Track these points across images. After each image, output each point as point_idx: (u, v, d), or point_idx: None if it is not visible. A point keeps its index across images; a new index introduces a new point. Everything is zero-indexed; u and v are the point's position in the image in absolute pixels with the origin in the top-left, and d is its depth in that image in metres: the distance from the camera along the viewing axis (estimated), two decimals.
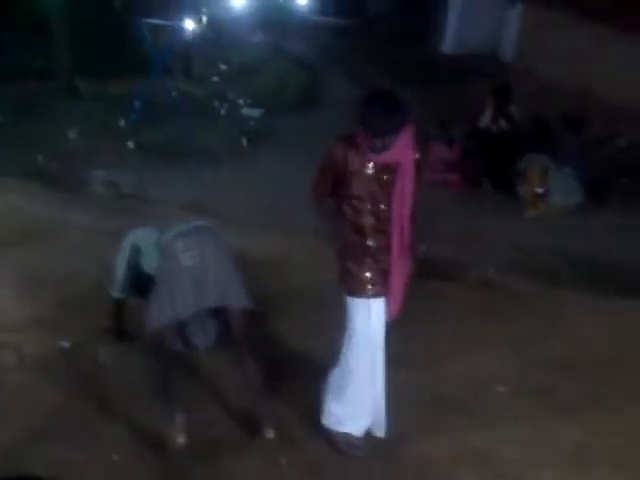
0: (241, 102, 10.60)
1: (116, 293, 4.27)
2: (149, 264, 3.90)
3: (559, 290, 5.59)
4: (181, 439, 3.59)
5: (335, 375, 3.62)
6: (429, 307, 4.87)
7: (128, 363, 4.28)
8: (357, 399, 3.57)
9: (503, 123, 8.40)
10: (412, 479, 3.51)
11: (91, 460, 3.49)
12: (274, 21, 12.96)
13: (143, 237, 4.09)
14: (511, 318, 5.10)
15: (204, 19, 12.04)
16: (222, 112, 10.23)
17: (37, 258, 5.40)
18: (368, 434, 3.69)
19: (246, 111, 10.33)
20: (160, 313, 3.59)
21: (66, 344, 4.41)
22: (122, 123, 8.97)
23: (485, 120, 8.57)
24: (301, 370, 4.26)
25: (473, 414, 4.02)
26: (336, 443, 3.65)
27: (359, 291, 3.45)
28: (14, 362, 4.20)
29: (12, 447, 3.52)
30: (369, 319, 3.46)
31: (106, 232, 5.83)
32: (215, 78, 11.51)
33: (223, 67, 11.86)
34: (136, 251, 4.06)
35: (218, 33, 12.16)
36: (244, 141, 9.10)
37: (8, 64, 9.83)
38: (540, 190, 7.43)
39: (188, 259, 3.58)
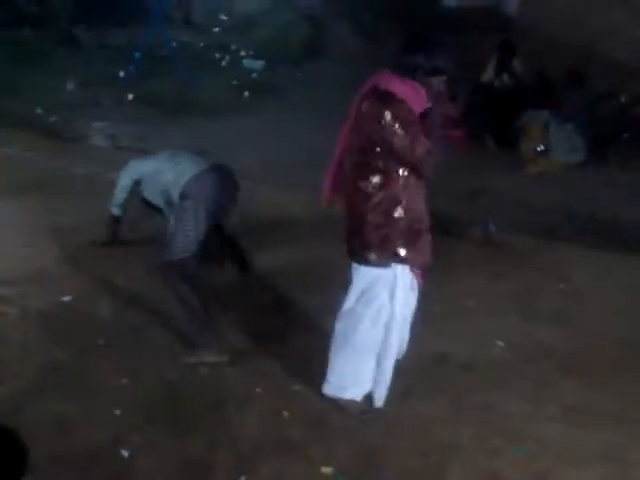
0: (243, 53, 10.47)
1: (114, 211, 4.83)
2: (149, 193, 4.46)
3: (559, 245, 5.61)
4: (225, 357, 3.89)
5: (340, 340, 3.59)
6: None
7: (126, 316, 4.28)
8: (363, 367, 3.58)
9: (506, 78, 8.29)
10: (412, 437, 3.52)
11: (92, 414, 3.49)
12: None
13: (144, 170, 4.54)
14: (511, 273, 5.13)
15: None
16: (223, 63, 10.11)
17: (38, 210, 5.39)
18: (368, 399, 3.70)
19: (247, 63, 10.21)
20: (185, 244, 3.97)
21: (67, 298, 4.41)
22: (121, 74, 8.85)
23: (488, 75, 8.46)
24: (305, 327, 4.28)
25: (474, 370, 4.03)
26: (345, 408, 3.65)
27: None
28: (17, 316, 4.21)
29: (11, 400, 3.53)
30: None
31: (106, 183, 5.80)
32: (216, 28, 11.34)
33: (224, 17, 11.66)
34: (137, 182, 4.58)
35: None
36: (245, 93, 8.99)
37: (3, 12, 9.63)
38: (540, 147, 7.38)
39: (206, 196, 4.08)
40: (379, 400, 3.65)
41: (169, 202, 4.24)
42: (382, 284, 3.41)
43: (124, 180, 4.68)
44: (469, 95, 8.43)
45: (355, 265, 3.44)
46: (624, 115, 7.98)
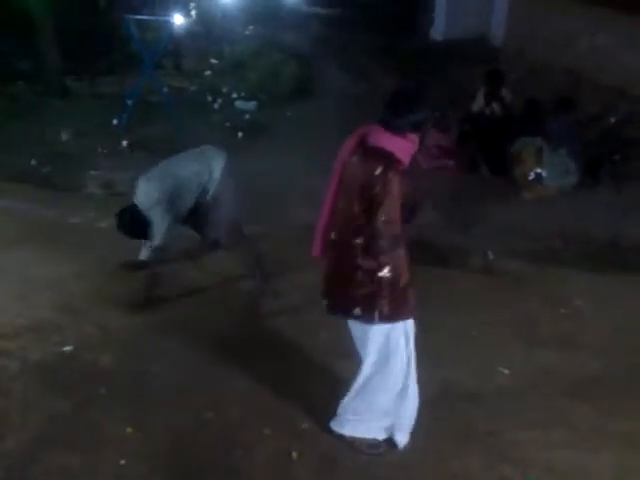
0: (234, 95, 10.55)
1: (156, 241, 4.84)
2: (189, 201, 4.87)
3: (558, 270, 5.61)
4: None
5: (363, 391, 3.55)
6: (429, 293, 4.84)
7: (127, 365, 4.26)
8: (386, 412, 3.57)
9: (496, 107, 8.36)
10: (423, 470, 3.49)
11: (96, 465, 3.46)
12: (265, 13, 12.86)
13: (169, 189, 4.79)
14: (512, 300, 5.13)
15: (193, 13, 11.97)
16: (216, 106, 10.18)
17: (33, 261, 5.38)
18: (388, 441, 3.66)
19: (240, 104, 10.27)
20: (236, 215, 5.00)
21: (68, 348, 4.39)
22: (114, 122, 8.91)
23: (478, 105, 8.54)
24: (310, 366, 4.26)
25: (479, 398, 4.02)
26: (354, 445, 3.63)
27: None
28: (17, 369, 4.18)
29: (15, 454, 3.50)
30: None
31: (102, 232, 5.80)
32: (207, 72, 11.44)
33: (215, 61, 11.78)
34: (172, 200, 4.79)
35: (209, 27, 12.07)
36: (239, 135, 9.05)
37: None
38: (532, 175, 7.42)
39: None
40: (402, 442, 3.63)
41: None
42: (396, 334, 3.40)
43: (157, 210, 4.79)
44: (460, 125, 8.49)
45: (357, 323, 3.42)
46: (614, 136, 8.03)
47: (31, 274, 5.21)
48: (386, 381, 3.47)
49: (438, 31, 12.53)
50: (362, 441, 3.62)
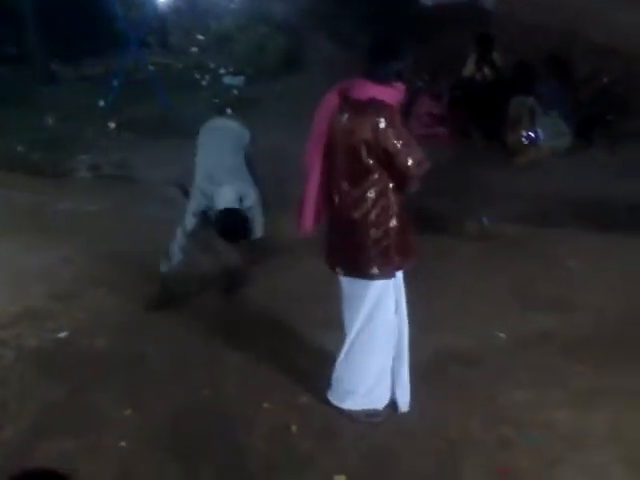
0: (222, 71, 10.47)
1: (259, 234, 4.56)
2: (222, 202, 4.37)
3: (553, 232, 5.60)
4: None
5: (355, 353, 3.54)
6: (425, 260, 4.80)
7: (122, 348, 4.25)
8: (381, 375, 3.55)
9: (487, 71, 8.28)
10: (423, 436, 3.48)
11: (97, 448, 3.46)
12: None
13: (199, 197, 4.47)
14: (508, 264, 5.12)
15: None
16: (203, 83, 10.11)
17: (24, 248, 5.36)
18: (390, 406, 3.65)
19: (227, 79, 10.21)
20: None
21: (63, 334, 4.37)
22: (101, 103, 8.84)
23: (468, 70, 8.45)
24: (304, 341, 4.25)
25: (477, 363, 4.01)
26: (351, 414, 3.62)
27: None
28: (12, 358, 4.17)
29: (17, 443, 3.49)
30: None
31: (92, 216, 5.78)
32: (194, 49, 11.34)
33: (201, 37, 11.67)
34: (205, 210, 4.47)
35: (193, 2, 11.93)
36: (228, 110, 8.98)
37: None
38: (525, 135, 7.36)
39: None
40: (404, 405, 3.62)
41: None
42: (388, 293, 3.39)
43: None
44: (451, 90, 8.41)
45: (358, 281, 3.38)
46: (607, 97, 7.96)
47: (22, 262, 5.19)
48: (375, 339, 3.44)
49: None
50: (360, 411, 3.62)
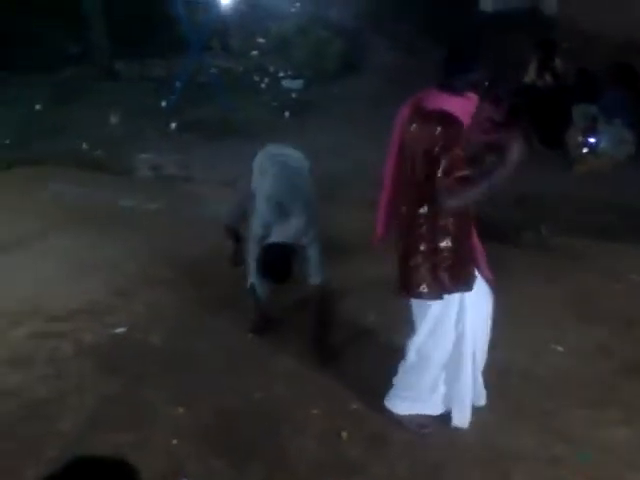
0: (281, 74, 10.53)
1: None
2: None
3: (613, 244, 5.46)
4: None
5: (411, 362, 3.52)
6: None
7: (178, 345, 4.30)
8: (433, 385, 3.53)
9: (548, 78, 8.14)
10: (474, 448, 3.45)
11: (149, 444, 3.51)
12: None
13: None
14: (566, 276, 5.02)
15: None
16: (263, 86, 10.19)
17: (85, 244, 5.48)
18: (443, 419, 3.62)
19: (287, 83, 10.26)
20: None
21: (121, 330, 4.46)
22: (163, 104, 8.99)
23: (530, 76, 8.33)
24: (358, 345, 4.24)
25: (534, 378, 3.95)
26: (404, 423, 3.60)
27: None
28: (71, 351, 4.26)
29: (75, 436, 3.56)
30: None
31: (151, 214, 5.87)
32: (254, 52, 11.44)
33: (261, 40, 11.77)
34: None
35: (254, 5, 12.03)
36: (286, 113, 9.04)
37: (43, 51, 9.85)
38: (585, 143, 7.22)
39: None
40: (459, 421, 3.56)
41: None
42: (448, 313, 3.35)
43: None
44: (512, 97, 8.30)
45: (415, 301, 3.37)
46: None
47: (83, 257, 5.31)
48: (434, 352, 3.42)
49: (487, 1, 12.25)
50: (411, 419, 3.59)
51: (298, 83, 10.20)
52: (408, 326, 3.51)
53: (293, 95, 9.72)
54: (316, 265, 3.98)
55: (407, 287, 3.31)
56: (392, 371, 3.61)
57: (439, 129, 3.02)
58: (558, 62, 8.23)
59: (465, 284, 3.28)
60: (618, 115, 7.23)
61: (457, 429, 3.55)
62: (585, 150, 7.28)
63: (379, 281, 4.34)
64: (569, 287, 4.89)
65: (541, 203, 6.23)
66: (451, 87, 3.11)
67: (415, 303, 3.41)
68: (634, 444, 3.43)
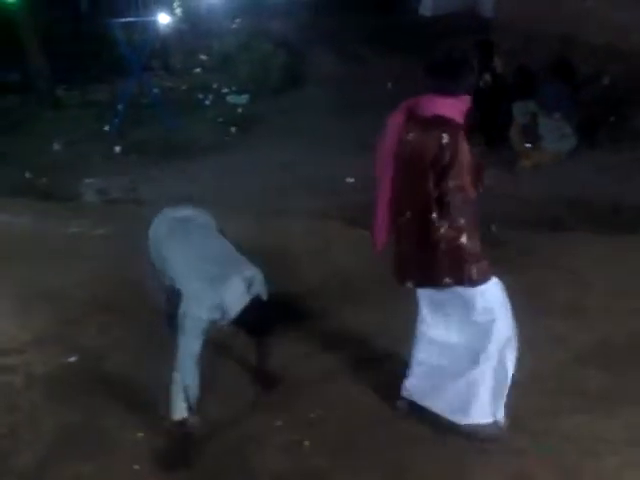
0: (226, 90, 10.52)
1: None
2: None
3: (562, 236, 5.57)
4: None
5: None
6: None
7: (131, 371, 4.23)
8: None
9: (488, 78, 8.27)
10: (439, 444, 3.45)
11: (111, 471, 3.44)
12: (251, 3, 12.78)
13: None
14: (518, 270, 5.02)
15: (178, 10, 11.92)
16: (207, 102, 10.15)
17: (32, 274, 5.37)
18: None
19: (232, 98, 10.26)
20: None
21: (73, 359, 4.37)
22: (107, 128, 8.90)
23: None
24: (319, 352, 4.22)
25: None
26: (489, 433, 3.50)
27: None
28: (23, 384, 4.15)
29: (32, 470, 3.48)
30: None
31: (99, 239, 5.79)
32: (197, 69, 11.41)
33: (204, 57, 11.75)
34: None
35: (195, 23, 12.03)
36: (232, 129, 9.02)
37: None
38: (528, 139, 7.37)
39: None
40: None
41: None
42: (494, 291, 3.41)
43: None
44: None
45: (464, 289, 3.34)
46: (609, 98, 7.94)
47: (32, 287, 5.19)
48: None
49: (426, 7, 12.43)
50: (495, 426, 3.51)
51: (243, 98, 10.21)
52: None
53: (239, 110, 9.71)
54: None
55: (430, 281, 3.35)
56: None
57: (445, 137, 3.09)
58: (497, 62, 8.36)
59: (490, 274, 3.38)
60: (557, 109, 7.38)
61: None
62: (528, 145, 7.41)
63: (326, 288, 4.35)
64: (521, 280, 4.91)
65: (489, 200, 6.29)
66: (446, 90, 3.15)
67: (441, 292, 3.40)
68: (592, 432, 3.48)
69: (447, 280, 3.29)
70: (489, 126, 7.84)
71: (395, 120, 3.28)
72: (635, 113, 7.63)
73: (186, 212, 3.95)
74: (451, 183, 3.12)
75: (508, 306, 3.45)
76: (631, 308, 4.51)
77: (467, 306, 3.37)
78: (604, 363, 3.96)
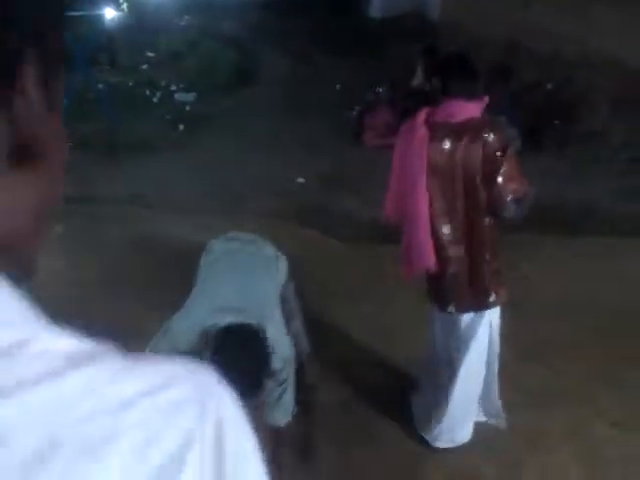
0: (173, 88, 10.41)
1: None
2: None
3: (504, 236, 5.62)
4: None
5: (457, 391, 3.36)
6: (382, 272, 4.85)
7: None
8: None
9: (436, 82, 8.40)
10: (397, 450, 3.49)
11: None
12: (200, 1, 12.69)
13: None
14: None
15: (125, 6, 11.74)
16: (154, 100, 10.03)
17: None
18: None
19: (179, 96, 10.15)
20: None
21: None
22: None
23: (418, 80, 8.58)
24: None
25: None
26: None
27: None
28: None
29: None
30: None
31: (50, 240, 5.65)
32: (144, 66, 11.26)
33: (151, 54, 11.60)
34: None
35: (142, 19, 11.85)
36: (180, 127, 8.93)
37: None
38: None
39: None
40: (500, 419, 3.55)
41: None
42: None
43: None
44: (403, 101, 8.51)
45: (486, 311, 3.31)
46: (552, 102, 8.13)
47: None
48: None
49: (375, 8, 12.51)
50: None
51: (191, 96, 10.11)
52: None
53: (187, 108, 9.61)
54: None
55: (477, 303, 3.28)
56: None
57: (491, 136, 2.99)
58: None
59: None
60: (502, 112, 7.51)
61: None
62: None
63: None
64: None
65: None
66: (472, 93, 3.09)
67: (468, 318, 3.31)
68: (536, 427, 3.56)
69: (492, 297, 3.25)
70: None
71: (418, 134, 3.08)
72: (578, 117, 7.84)
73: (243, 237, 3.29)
74: (498, 180, 3.00)
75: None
76: (570, 306, 4.62)
77: (485, 328, 3.36)
78: (545, 360, 4.07)
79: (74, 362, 0.48)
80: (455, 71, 3.14)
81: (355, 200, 6.41)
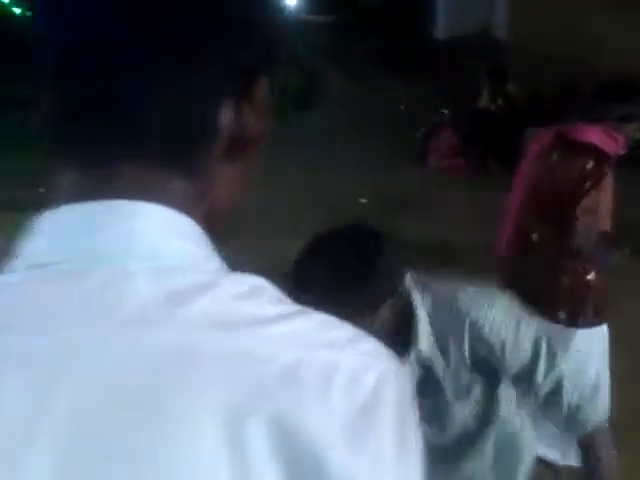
0: None
1: None
2: None
3: None
4: None
5: None
6: None
7: None
8: None
9: (501, 102, 8.32)
10: None
11: None
12: None
13: None
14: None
15: None
16: None
17: None
18: None
19: None
20: None
21: None
22: None
23: (483, 101, 8.51)
24: None
25: None
26: None
27: None
28: None
29: None
30: None
31: None
32: None
33: None
34: None
35: None
36: None
37: None
38: None
39: None
40: None
41: None
42: None
43: None
44: (467, 122, 8.46)
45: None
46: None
47: None
48: None
49: (440, 29, 12.46)
50: None
51: None
52: None
53: None
54: None
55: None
56: None
57: (591, 163, 2.86)
58: (510, 86, 8.42)
59: (606, 317, 3.16)
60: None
61: None
62: None
63: None
64: None
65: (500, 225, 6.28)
66: (598, 118, 2.90)
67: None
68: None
69: (561, 314, 3.02)
70: (502, 150, 7.87)
71: (541, 140, 3.10)
72: None
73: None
74: (578, 210, 2.83)
75: None
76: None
77: None
78: None
79: (297, 310, 0.60)
80: (596, 92, 3.04)
81: (418, 220, 6.38)
